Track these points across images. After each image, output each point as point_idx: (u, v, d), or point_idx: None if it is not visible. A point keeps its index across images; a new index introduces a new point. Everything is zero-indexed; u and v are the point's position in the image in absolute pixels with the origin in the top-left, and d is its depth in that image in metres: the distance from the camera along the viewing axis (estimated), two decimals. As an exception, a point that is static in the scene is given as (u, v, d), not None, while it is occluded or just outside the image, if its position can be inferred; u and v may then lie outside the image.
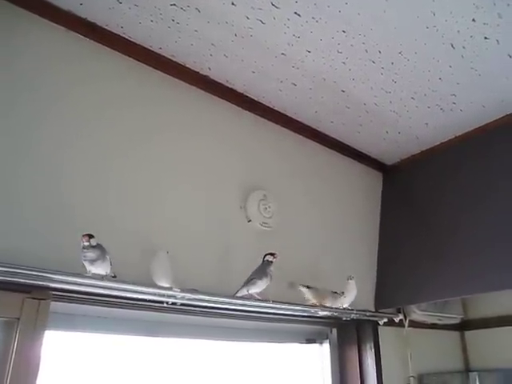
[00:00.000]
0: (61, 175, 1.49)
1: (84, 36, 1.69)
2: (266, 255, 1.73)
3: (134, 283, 1.37)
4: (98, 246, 1.32)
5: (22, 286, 1.24)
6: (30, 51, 1.54)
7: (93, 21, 1.68)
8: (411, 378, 2.39)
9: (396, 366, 2.38)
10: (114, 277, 1.36)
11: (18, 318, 1.25)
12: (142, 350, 1.67)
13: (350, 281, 2.02)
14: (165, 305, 1.48)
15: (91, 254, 1.30)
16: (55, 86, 1.57)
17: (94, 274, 1.31)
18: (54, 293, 1.32)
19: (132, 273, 1.41)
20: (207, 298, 1.53)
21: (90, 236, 1.30)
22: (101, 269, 1.30)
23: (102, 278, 1.31)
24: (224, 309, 1.70)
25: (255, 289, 1.66)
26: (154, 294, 1.42)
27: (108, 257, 1.33)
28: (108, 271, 1.32)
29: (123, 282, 1.35)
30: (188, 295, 1.45)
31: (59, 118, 1.55)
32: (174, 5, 1.61)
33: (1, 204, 1.34)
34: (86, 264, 1.30)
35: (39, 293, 1.29)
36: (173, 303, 1.48)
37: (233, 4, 1.60)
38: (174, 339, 1.78)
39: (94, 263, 1.30)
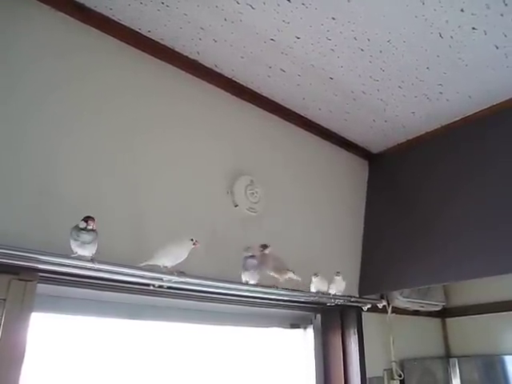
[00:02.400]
0: (51, 158, 1.48)
1: (71, 16, 1.67)
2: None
3: (121, 265, 1.37)
4: (94, 230, 1.31)
5: (8, 266, 1.24)
6: (17, 35, 1.52)
7: (81, 1, 1.66)
8: (393, 363, 2.44)
9: (379, 352, 2.42)
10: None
11: (5, 299, 1.24)
12: (129, 334, 1.68)
13: (336, 277, 2.04)
14: (151, 288, 1.49)
15: (87, 237, 1.29)
16: (45, 73, 1.55)
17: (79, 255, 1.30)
18: (40, 274, 1.31)
19: (119, 256, 1.41)
20: (194, 281, 1.54)
21: (93, 220, 1.30)
22: (88, 251, 1.30)
23: (91, 260, 1.31)
24: (210, 292, 1.71)
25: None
26: (142, 277, 1.43)
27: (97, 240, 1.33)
28: (93, 253, 1.32)
29: (111, 263, 1.35)
30: (175, 278, 1.46)
31: (50, 103, 1.53)
32: (164, -13, 1.60)
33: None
34: (75, 245, 1.29)
35: (26, 274, 1.28)
36: (160, 286, 1.49)
37: (223, -13, 1.60)
38: (159, 323, 1.79)
39: (86, 246, 1.29)
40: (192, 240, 1.53)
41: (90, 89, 1.66)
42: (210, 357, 1.91)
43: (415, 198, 2.55)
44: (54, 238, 1.34)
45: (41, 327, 1.41)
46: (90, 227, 1.29)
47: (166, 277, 1.45)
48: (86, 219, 1.29)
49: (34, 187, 1.42)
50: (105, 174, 1.60)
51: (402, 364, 2.51)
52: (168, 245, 1.48)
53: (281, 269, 1.83)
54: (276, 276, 1.82)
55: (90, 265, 1.29)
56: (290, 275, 1.83)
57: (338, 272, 2.05)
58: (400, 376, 2.44)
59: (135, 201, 1.65)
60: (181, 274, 1.47)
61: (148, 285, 1.47)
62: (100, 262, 1.33)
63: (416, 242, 2.38)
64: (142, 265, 1.43)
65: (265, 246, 1.83)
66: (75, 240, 1.28)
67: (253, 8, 1.69)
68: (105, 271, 1.36)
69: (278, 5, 1.68)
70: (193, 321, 1.88)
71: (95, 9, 1.70)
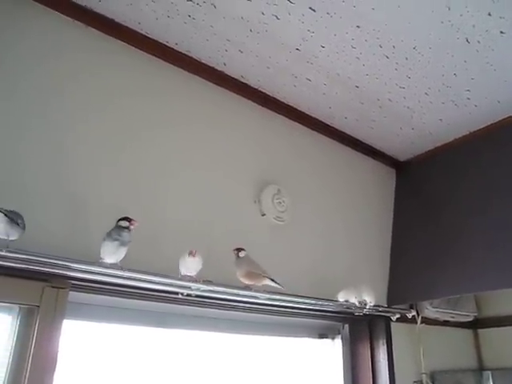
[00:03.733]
0: (76, 165, 1.52)
1: (102, 32, 1.72)
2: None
3: (150, 273, 1.39)
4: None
5: (42, 274, 1.28)
6: (52, 46, 1.58)
7: (111, 17, 1.71)
8: (423, 375, 2.39)
9: (408, 363, 2.38)
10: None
11: (38, 306, 1.28)
12: (156, 342, 1.70)
13: (365, 287, 2.03)
14: (180, 296, 1.50)
15: (128, 236, 1.34)
16: (74, 78, 1.60)
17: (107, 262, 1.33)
18: (72, 282, 1.34)
19: (147, 264, 1.43)
20: (222, 289, 1.55)
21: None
22: (116, 257, 1.32)
23: (121, 267, 1.33)
24: (237, 301, 1.72)
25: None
26: (171, 285, 1.44)
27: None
28: (120, 259, 1.34)
29: (141, 271, 1.38)
30: (203, 286, 1.47)
31: (78, 110, 1.58)
32: (191, 1, 1.63)
33: (19, 194, 1.37)
34: (111, 247, 1.31)
35: (58, 281, 1.32)
36: (188, 294, 1.50)
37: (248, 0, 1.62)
38: (187, 331, 1.80)
39: (120, 249, 1.33)
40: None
41: (121, 102, 1.70)
42: (239, 366, 1.91)
43: (444, 205, 2.51)
44: (83, 245, 1.37)
45: (72, 334, 1.44)
46: (132, 227, 1.33)
47: (194, 285, 1.46)
48: (128, 219, 1.32)
49: (65, 196, 1.45)
50: (130, 180, 1.63)
51: (432, 376, 2.46)
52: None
53: (256, 274, 1.69)
54: (247, 282, 1.68)
55: (120, 272, 1.32)
56: (267, 282, 1.70)
57: (366, 282, 2.02)
58: (431, 387, 2.40)
59: (160, 209, 1.68)
60: (208, 282, 1.48)
61: (176, 293, 1.49)
62: (130, 270, 1.35)
63: (445, 251, 2.34)
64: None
65: (239, 249, 1.73)
66: (114, 240, 1.30)
67: (278, 18, 1.71)
68: (134, 279, 1.39)
69: (303, 15, 1.69)
70: (221, 330, 1.89)
71: (124, 23, 1.75)
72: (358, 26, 1.75)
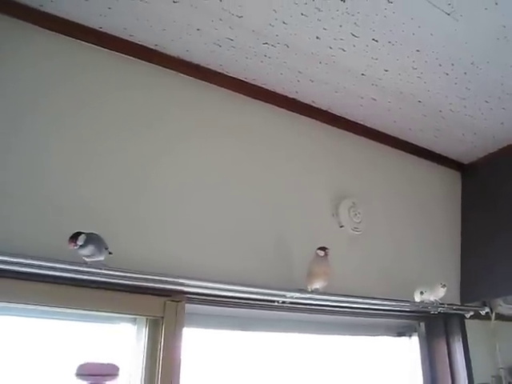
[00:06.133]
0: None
1: (189, 75, 1.98)
2: None
3: (253, 285, 1.63)
4: (90, 240, 1.35)
5: (164, 290, 1.55)
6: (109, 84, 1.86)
7: (197, 63, 1.97)
8: (501, 370, 2.48)
9: (485, 358, 2.47)
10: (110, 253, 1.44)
11: (163, 317, 1.55)
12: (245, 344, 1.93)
13: (439, 286, 2.13)
14: (275, 304, 1.74)
15: (85, 252, 1.36)
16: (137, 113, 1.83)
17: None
18: (187, 296, 1.60)
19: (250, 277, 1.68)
20: (312, 296, 1.76)
21: (75, 238, 1.32)
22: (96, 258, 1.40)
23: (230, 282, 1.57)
24: (322, 305, 1.93)
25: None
26: (269, 294, 1.68)
27: (103, 247, 1.41)
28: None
29: (246, 284, 1.63)
30: (296, 294, 1.70)
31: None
32: (266, 43, 1.86)
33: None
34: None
35: (176, 296, 1.58)
36: (283, 302, 1.73)
37: (317, 38, 1.82)
38: (276, 334, 2.02)
39: (91, 257, 1.38)
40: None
41: (199, 131, 1.96)
42: (323, 366, 2.09)
43: (512, 203, 2.59)
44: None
45: (191, 340, 1.70)
46: (76, 247, 1.33)
47: (288, 293, 1.69)
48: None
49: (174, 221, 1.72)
50: (193, 203, 1.83)
51: (511, 371, 2.54)
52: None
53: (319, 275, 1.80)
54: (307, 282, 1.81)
55: (228, 287, 1.56)
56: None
57: (443, 284, 2.14)
58: (510, 383, 2.47)
59: (247, 222, 1.93)
60: (301, 291, 1.70)
61: (273, 301, 1.72)
62: (234, 285, 1.60)
63: (516, 248, 2.43)
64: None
65: (324, 248, 1.84)
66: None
67: (344, 51, 1.90)
68: (238, 291, 1.63)
69: (367, 45, 1.87)
70: (305, 331, 2.09)
71: (208, 66, 2.00)
72: (417, 50, 1.90)
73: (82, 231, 1.34)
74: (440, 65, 1.99)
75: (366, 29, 1.78)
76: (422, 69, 2.01)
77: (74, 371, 1.37)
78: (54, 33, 1.69)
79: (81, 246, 1.32)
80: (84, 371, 1.37)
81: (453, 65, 1.99)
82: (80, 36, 1.74)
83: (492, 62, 1.98)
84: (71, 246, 1.31)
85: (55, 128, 1.61)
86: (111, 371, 1.42)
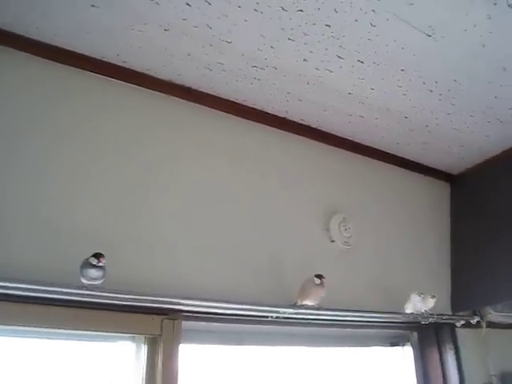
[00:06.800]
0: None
1: (181, 98, 2.04)
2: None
3: (248, 303, 1.69)
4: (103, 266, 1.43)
5: (161, 309, 1.61)
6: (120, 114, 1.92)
7: (188, 85, 2.04)
8: (493, 377, 2.53)
9: (477, 365, 2.51)
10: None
11: (160, 335, 1.60)
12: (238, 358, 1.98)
13: (428, 297, 2.19)
14: (269, 319, 1.79)
15: (96, 273, 1.42)
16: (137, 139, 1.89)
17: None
18: (183, 314, 1.66)
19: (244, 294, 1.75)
20: (305, 311, 1.83)
21: (101, 256, 1.42)
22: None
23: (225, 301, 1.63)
24: (316, 319, 1.98)
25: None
26: (262, 311, 1.73)
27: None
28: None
29: (237, 302, 1.68)
30: (290, 310, 1.75)
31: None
32: (255, 66, 1.92)
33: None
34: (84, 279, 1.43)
35: (173, 314, 1.64)
36: (276, 317, 1.78)
37: (304, 60, 1.89)
38: (267, 347, 2.07)
39: (97, 280, 1.43)
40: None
41: (195, 155, 2.03)
42: (316, 378, 2.14)
43: (501, 212, 2.63)
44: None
45: (186, 356, 1.74)
46: (101, 264, 1.42)
47: (281, 309, 1.74)
48: (98, 256, 1.44)
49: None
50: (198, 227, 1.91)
51: (503, 377, 2.57)
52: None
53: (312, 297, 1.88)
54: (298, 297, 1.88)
55: (223, 305, 1.62)
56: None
57: (433, 295, 2.20)
58: (502, 389, 2.53)
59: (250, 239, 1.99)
60: (294, 306, 1.76)
61: (267, 316, 1.77)
62: (228, 302, 1.65)
63: (505, 257, 2.48)
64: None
65: (321, 277, 1.88)
66: (85, 274, 1.43)
67: (331, 72, 1.96)
68: (232, 309, 1.69)
69: (353, 66, 1.94)
70: (299, 344, 2.13)
71: (199, 89, 2.07)
72: (402, 70, 1.96)
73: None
74: (424, 83, 2.06)
75: (352, 51, 1.84)
76: (407, 87, 2.08)
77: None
78: (49, 61, 1.75)
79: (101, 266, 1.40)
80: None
81: (436, 82, 2.06)
82: (76, 63, 1.80)
83: (474, 78, 2.04)
84: (96, 262, 1.39)
85: (52, 151, 1.67)
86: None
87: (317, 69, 1.95)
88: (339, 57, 1.88)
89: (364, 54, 1.86)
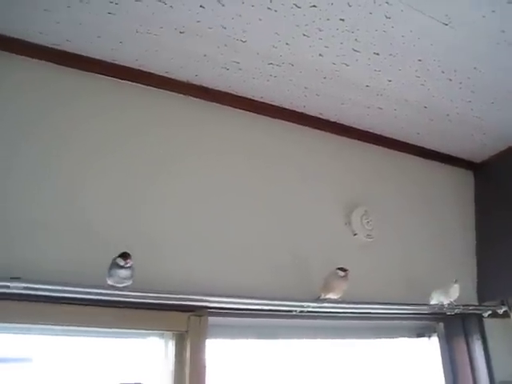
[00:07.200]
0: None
1: (199, 98, 2.07)
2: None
3: (271, 298, 1.73)
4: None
5: (188, 306, 1.65)
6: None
7: (206, 85, 2.07)
8: (522, 367, 2.50)
9: (505, 356, 2.47)
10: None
11: (187, 331, 1.65)
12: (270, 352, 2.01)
13: (454, 285, 2.14)
14: (293, 313, 1.82)
15: (125, 273, 1.45)
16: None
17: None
18: (209, 310, 1.70)
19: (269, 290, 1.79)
20: (331, 304, 1.85)
21: (128, 256, 1.44)
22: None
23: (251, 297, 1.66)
24: (341, 312, 2.00)
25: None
26: (286, 305, 1.76)
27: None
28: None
29: (264, 298, 1.73)
30: (314, 304, 1.78)
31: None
32: (271, 63, 1.93)
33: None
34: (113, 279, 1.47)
35: (199, 311, 1.68)
36: (301, 311, 1.81)
37: (320, 55, 1.89)
38: (298, 341, 2.09)
39: (126, 280, 1.47)
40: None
41: (214, 151, 2.06)
42: (343, 370, 2.15)
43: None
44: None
45: (214, 350, 1.78)
46: (128, 265, 1.45)
47: (306, 303, 1.76)
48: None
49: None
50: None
51: (531, 367, 2.56)
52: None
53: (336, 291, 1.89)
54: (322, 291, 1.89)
55: (248, 301, 1.65)
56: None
57: (455, 280, 2.14)
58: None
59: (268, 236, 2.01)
60: (318, 300, 1.78)
61: (291, 311, 1.80)
62: (253, 298, 1.68)
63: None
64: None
65: (344, 270, 1.88)
66: (110, 276, 1.48)
67: (347, 65, 1.97)
68: (256, 304, 1.72)
69: (369, 59, 1.93)
70: (324, 337, 2.15)
71: (216, 88, 2.09)
72: (419, 60, 1.95)
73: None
74: (443, 72, 2.04)
75: (367, 44, 1.84)
76: (425, 77, 2.07)
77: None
78: (64, 67, 1.80)
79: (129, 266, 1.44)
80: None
81: (455, 71, 2.04)
82: (94, 69, 1.84)
83: (494, 65, 2.01)
84: (124, 263, 1.43)
85: (55, 152, 1.70)
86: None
87: (333, 63, 1.95)
88: (355, 50, 1.88)
89: (380, 46, 1.86)
